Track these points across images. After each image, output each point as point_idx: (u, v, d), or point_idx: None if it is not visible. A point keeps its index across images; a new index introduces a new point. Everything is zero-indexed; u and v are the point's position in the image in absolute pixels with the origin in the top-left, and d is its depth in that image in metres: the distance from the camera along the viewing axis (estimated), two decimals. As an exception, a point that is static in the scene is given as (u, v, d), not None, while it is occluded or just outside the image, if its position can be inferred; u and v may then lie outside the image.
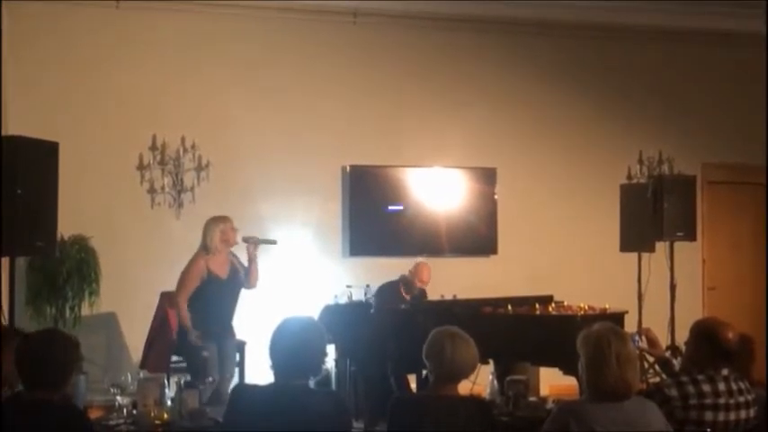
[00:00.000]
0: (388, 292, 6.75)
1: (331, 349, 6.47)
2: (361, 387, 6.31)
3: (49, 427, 2.94)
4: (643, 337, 3.99)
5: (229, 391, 3.85)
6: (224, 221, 5.63)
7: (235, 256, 5.72)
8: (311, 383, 3.10)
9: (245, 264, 5.70)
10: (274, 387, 3.04)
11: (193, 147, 7.14)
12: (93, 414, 4.15)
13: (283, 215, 7.34)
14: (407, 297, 6.75)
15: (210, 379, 4.84)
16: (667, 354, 6.42)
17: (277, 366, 3.04)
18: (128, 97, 7.17)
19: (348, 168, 7.61)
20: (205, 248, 5.57)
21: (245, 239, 5.69)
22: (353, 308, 6.60)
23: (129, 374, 4.33)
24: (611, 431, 2.90)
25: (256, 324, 6.36)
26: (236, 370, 6.14)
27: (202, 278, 5.52)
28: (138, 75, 7.22)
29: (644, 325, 6.67)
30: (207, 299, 5.54)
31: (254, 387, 3.10)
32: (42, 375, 3.01)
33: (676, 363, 3.93)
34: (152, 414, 3.93)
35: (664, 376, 3.88)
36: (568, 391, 5.27)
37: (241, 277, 5.68)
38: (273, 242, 5.90)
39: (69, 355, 3.08)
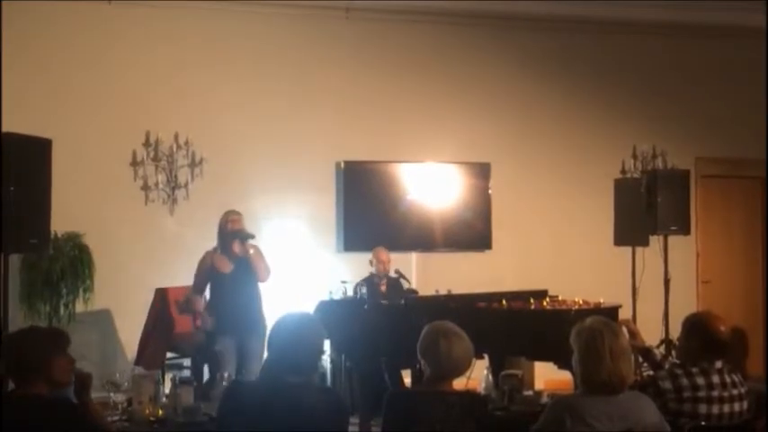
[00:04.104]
0: (365, 287, 6.73)
1: (326, 345, 6.48)
2: (357, 382, 6.31)
3: (41, 421, 2.95)
4: (623, 329, 3.99)
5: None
6: (225, 215, 5.68)
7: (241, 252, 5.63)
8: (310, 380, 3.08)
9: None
10: (269, 383, 3.03)
11: (187, 143, 7.13)
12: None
13: (278, 211, 7.34)
14: (383, 288, 6.74)
15: (226, 374, 4.81)
16: (661, 348, 6.47)
17: (274, 362, 3.03)
18: (121, 94, 7.15)
19: (342, 164, 7.61)
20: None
21: (232, 232, 5.59)
22: (348, 303, 6.60)
23: (123, 371, 4.33)
24: (605, 425, 2.91)
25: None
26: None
27: (206, 272, 5.59)
28: (131, 71, 7.20)
29: (638, 319, 6.69)
30: (215, 294, 5.63)
31: (249, 383, 3.09)
32: (17, 371, 3.05)
33: (658, 352, 3.95)
34: (147, 411, 3.92)
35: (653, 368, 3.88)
36: (563, 385, 5.28)
37: (252, 272, 5.62)
38: (251, 236, 5.65)
39: (40, 346, 3.09)
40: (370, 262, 6.85)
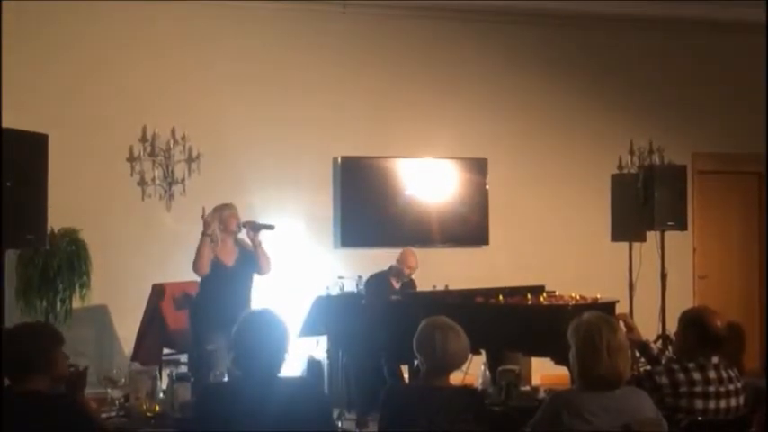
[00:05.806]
0: (377, 283, 6.72)
1: (323, 340, 6.49)
2: (354, 378, 6.32)
3: (42, 418, 2.95)
4: (620, 323, 4.01)
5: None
6: (224, 209, 5.62)
7: (244, 244, 5.65)
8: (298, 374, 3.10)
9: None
10: (241, 381, 3.06)
11: (184, 138, 7.11)
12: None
13: (275, 206, 7.31)
14: (397, 287, 6.74)
15: (217, 372, 4.77)
16: (658, 343, 6.48)
17: (242, 360, 3.05)
18: (117, 89, 7.13)
19: (339, 159, 7.61)
20: (210, 236, 5.54)
21: (244, 225, 5.61)
22: (345, 299, 6.60)
23: (120, 367, 4.33)
24: (602, 420, 2.91)
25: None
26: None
27: (210, 261, 5.49)
28: (128, 66, 7.18)
29: (635, 314, 6.71)
30: (214, 287, 5.51)
31: (222, 385, 3.10)
32: (19, 367, 3.05)
33: (655, 347, 3.96)
34: (144, 406, 3.92)
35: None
36: (560, 380, 5.27)
37: (252, 267, 5.62)
38: (271, 227, 5.72)
39: (44, 342, 3.09)
40: (398, 261, 6.70)
